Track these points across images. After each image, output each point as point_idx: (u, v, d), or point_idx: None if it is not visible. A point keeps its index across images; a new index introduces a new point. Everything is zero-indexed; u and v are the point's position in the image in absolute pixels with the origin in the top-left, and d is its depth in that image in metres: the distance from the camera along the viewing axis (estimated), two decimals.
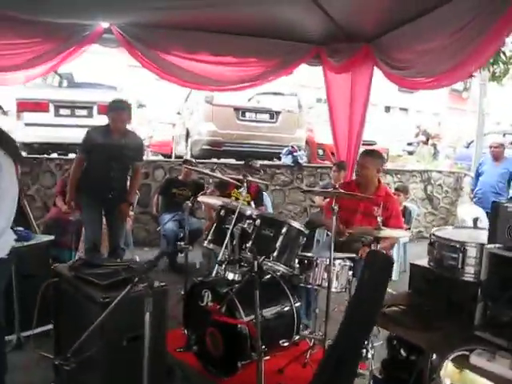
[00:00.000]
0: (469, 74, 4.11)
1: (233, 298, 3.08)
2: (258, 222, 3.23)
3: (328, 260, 3.22)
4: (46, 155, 7.39)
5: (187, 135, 9.17)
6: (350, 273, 3.41)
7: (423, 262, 2.44)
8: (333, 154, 6.75)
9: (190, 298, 3.48)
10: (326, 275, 3.27)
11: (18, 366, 3.19)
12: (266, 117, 8.76)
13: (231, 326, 3.07)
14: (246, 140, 8.45)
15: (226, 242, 3.27)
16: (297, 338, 3.44)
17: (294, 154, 7.91)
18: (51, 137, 7.65)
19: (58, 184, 6.01)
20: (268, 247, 3.21)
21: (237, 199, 5.24)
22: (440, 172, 9.47)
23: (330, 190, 3.85)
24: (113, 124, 4.37)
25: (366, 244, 3.80)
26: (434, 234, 2.33)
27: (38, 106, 7.66)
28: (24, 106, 7.67)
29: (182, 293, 3.92)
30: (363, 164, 4.00)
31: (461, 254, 2.12)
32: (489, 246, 1.93)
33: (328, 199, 4.31)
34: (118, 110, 4.37)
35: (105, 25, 4.99)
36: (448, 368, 1.83)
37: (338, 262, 3.36)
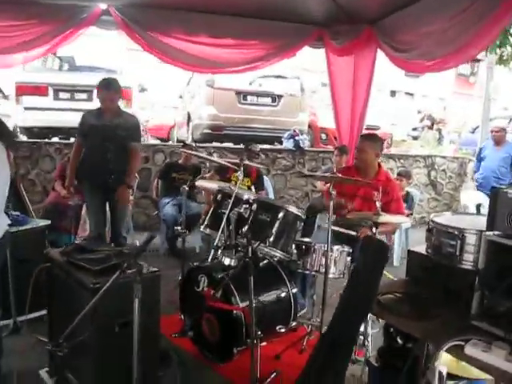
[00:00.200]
0: (471, 56, 4.03)
1: (228, 284, 3.05)
2: (254, 206, 3.17)
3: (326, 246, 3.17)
4: (46, 139, 7.33)
5: (188, 119, 9.09)
6: (349, 259, 3.36)
7: (421, 248, 2.38)
8: (336, 138, 6.68)
9: (187, 283, 3.46)
10: (323, 261, 3.23)
11: (13, 350, 3.17)
12: (267, 100, 8.66)
13: (227, 311, 3.04)
14: (248, 124, 8.38)
15: (222, 226, 3.21)
16: (294, 323, 3.42)
17: (296, 138, 7.82)
18: (51, 121, 7.60)
19: (57, 168, 5.99)
20: (264, 232, 3.16)
21: (236, 184, 5.22)
22: (444, 157, 9.37)
23: (327, 174, 3.79)
24: (103, 104, 4.30)
25: (367, 226, 3.75)
26: (432, 221, 2.26)
27: (37, 90, 7.59)
28: (23, 90, 7.61)
29: (180, 278, 3.89)
30: (361, 148, 3.94)
31: (459, 241, 2.06)
32: (487, 233, 1.86)
33: (328, 184, 4.25)
34: (106, 88, 4.27)
35: (103, 6, 4.93)
36: (443, 357, 1.79)
37: (336, 247, 3.31)
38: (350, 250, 3.36)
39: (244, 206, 3.17)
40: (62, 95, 7.79)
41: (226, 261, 3.17)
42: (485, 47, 4.68)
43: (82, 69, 8.98)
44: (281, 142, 8.25)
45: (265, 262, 3.45)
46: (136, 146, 4.41)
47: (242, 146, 6.87)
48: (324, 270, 3.17)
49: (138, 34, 5.11)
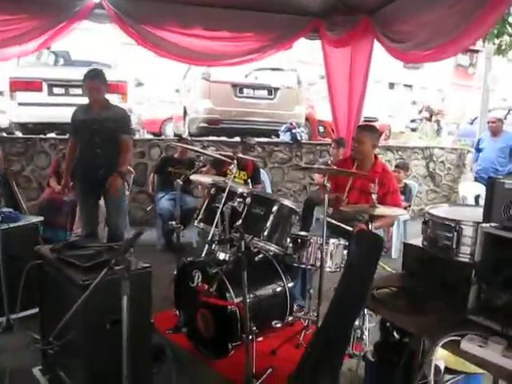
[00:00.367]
0: (467, 46, 4.00)
1: (223, 279, 3.01)
2: (248, 200, 3.12)
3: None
4: (41, 135, 7.27)
5: (185, 113, 9.03)
6: (345, 252, 3.31)
7: (417, 241, 2.33)
8: (333, 130, 6.63)
9: (181, 278, 3.42)
10: (319, 254, 3.18)
11: (6, 348, 3.16)
12: (264, 93, 8.59)
13: (221, 307, 3.00)
14: (244, 117, 8.31)
15: (215, 221, 3.17)
16: (290, 318, 3.38)
17: (293, 130, 7.76)
18: (45, 116, 7.53)
19: (52, 164, 5.96)
20: (258, 226, 3.11)
21: (233, 177, 5.18)
22: (442, 149, 9.31)
23: (321, 166, 3.73)
24: (89, 96, 4.23)
25: (363, 221, 3.71)
26: (428, 213, 2.21)
27: (31, 86, 7.53)
28: (17, 86, 7.54)
29: (175, 273, 3.84)
30: (359, 139, 3.88)
31: (455, 234, 2.01)
32: (484, 225, 1.81)
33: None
34: (90, 78, 4.19)
35: None
36: (441, 352, 1.75)
37: (332, 240, 3.26)
38: (347, 243, 3.31)
39: (238, 199, 3.12)
40: (56, 90, 7.72)
41: (221, 255, 3.13)
42: (481, 36, 4.64)
43: (77, 63, 8.89)
44: (278, 135, 8.20)
45: (260, 256, 3.41)
46: (126, 139, 4.32)
47: (238, 139, 6.80)
48: (320, 263, 3.13)
49: (131, 27, 5.05)
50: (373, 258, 2.03)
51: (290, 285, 3.37)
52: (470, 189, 6.88)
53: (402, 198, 5.83)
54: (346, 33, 5.43)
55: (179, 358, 3.19)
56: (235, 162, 3.49)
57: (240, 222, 3.04)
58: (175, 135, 9.43)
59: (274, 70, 9.00)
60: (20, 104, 7.51)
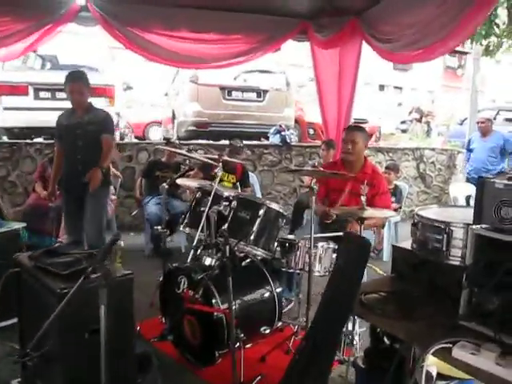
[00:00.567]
0: (453, 47, 3.95)
1: (208, 285, 2.92)
2: (234, 203, 3.05)
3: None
4: (27, 140, 7.15)
5: (173, 116, 8.95)
6: (334, 255, 3.24)
7: (407, 244, 2.26)
8: (323, 132, 6.59)
9: (167, 284, 3.33)
10: (308, 258, 3.11)
11: None
12: (253, 96, 8.54)
13: (207, 313, 2.92)
14: (233, 120, 8.26)
15: (201, 225, 3.09)
16: (279, 324, 3.31)
17: (282, 133, 7.71)
18: (31, 121, 7.43)
19: (37, 169, 5.86)
20: (244, 230, 3.04)
21: (221, 181, 5.10)
22: (433, 149, 9.29)
23: (308, 169, 3.67)
24: (71, 99, 4.07)
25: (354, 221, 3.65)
26: (417, 214, 2.14)
27: (17, 90, 7.43)
28: (2, 90, 7.43)
29: (161, 279, 3.76)
30: (353, 139, 3.79)
31: (445, 236, 1.94)
32: (474, 226, 1.75)
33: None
34: (71, 80, 4.04)
35: (81, 2, 4.77)
36: (430, 360, 1.68)
37: (320, 244, 3.19)
38: (336, 247, 3.24)
39: (224, 203, 3.05)
40: (42, 94, 7.63)
41: (207, 261, 3.05)
42: (469, 35, 4.62)
43: (65, 67, 8.80)
44: (267, 138, 8.14)
45: (247, 260, 3.33)
46: (107, 137, 4.14)
47: (226, 142, 6.74)
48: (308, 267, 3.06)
49: (118, 30, 4.97)
50: (360, 261, 1.96)
51: (279, 290, 3.30)
52: (461, 189, 6.86)
53: (393, 199, 5.81)
54: (334, 34, 5.39)
55: (165, 367, 3.10)
56: (221, 164, 3.41)
57: (226, 226, 2.96)
58: (164, 139, 9.36)
59: (262, 72, 8.96)
60: (5, 108, 7.41)
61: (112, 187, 5.39)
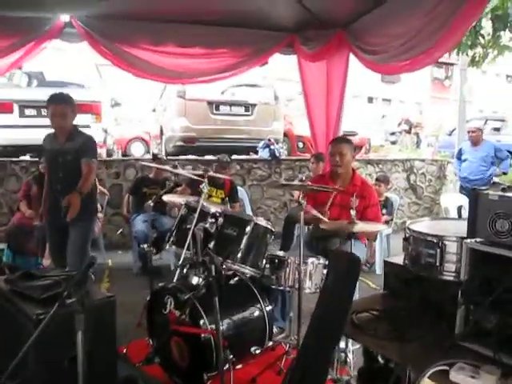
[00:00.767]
0: (439, 56, 3.93)
1: (195, 305, 2.81)
2: (220, 220, 2.95)
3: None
4: (13, 158, 7.04)
5: (161, 132, 8.88)
6: (325, 271, 3.14)
7: (399, 259, 2.18)
8: (313, 146, 6.54)
9: (154, 304, 3.21)
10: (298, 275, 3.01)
11: None
12: (241, 110, 8.50)
13: (194, 335, 2.81)
14: (221, 135, 8.20)
15: (187, 243, 2.99)
16: (270, 343, 3.20)
17: (271, 147, 7.66)
18: (17, 139, 7.33)
19: (22, 188, 5.74)
20: (231, 248, 2.93)
21: (210, 196, 5.01)
22: (423, 160, 9.28)
23: (296, 183, 3.59)
24: (53, 122, 3.76)
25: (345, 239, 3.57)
26: (408, 228, 2.07)
27: (1, 107, 7.33)
28: None
29: (148, 299, 3.64)
30: (340, 151, 3.72)
31: (439, 250, 1.86)
32: (468, 240, 1.67)
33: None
34: (53, 102, 3.77)
35: (65, 18, 4.70)
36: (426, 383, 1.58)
37: (310, 260, 3.09)
38: (326, 263, 3.15)
39: (210, 220, 2.95)
40: (28, 112, 7.53)
41: (194, 279, 2.95)
42: (455, 43, 4.61)
43: (52, 84, 8.75)
44: (256, 152, 8.08)
45: (236, 278, 3.22)
46: (86, 161, 3.76)
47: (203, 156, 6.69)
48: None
49: (103, 46, 4.90)
50: (350, 278, 1.87)
51: (269, 308, 3.19)
52: (452, 200, 6.83)
53: (384, 211, 5.75)
54: (320, 47, 5.36)
55: None
56: (206, 180, 3.33)
57: (212, 243, 2.86)
58: (152, 155, 9.28)
59: (250, 86, 8.93)
60: None
61: (99, 205, 5.28)
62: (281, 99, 9.44)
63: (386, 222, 5.56)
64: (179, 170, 4.31)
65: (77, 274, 1.86)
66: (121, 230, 5.97)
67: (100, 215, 5.74)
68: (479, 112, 18.23)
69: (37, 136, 6.71)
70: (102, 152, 8.64)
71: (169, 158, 6.91)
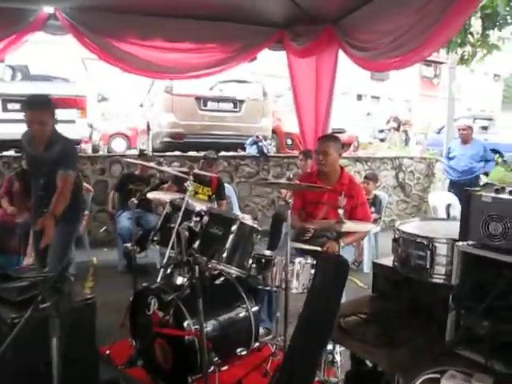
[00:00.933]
0: (430, 53, 3.89)
1: (179, 306, 2.74)
2: (205, 219, 2.88)
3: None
4: None
5: (148, 128, 8.77)
6: (312, 271, 3.08)
7: (388, 260, 2.12)
8: (301, 142, 6.49)
9: (137, 305, 3.13)
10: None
11: None
12: (229, 106, 8.40)
13: (178, 337, 2.73)
14: (209, 131, 8.11)
15: (171, 242, 2.91)
16: (256, 345, 3.13)
17: (259, 143, 7.59)
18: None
19: (4, 184, 5.60)
20: (217, 248, 2.85)
21: (196, 193, 4.93)
22: (411, 158, 9.27)
23: (283, 182, 3.53)
24: (30, 127, 3.39)
25: (332, 238, 3.52)
26: (398, 229, 2.01)
27: None
28: None
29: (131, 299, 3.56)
30: (324, 150, 3.67)
31: (429, 252, 1.81)
32: (460, 243, 1.61)
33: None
34: (30, 107, 3.38)
35: (49, 10, 4.58)
36: None
37: (297, 260, 3.03)
38: (314, 262, 3.09)
39: (195, 218, 2.87)
40: (11, 106, 7.36)
41: (178, 280, 2.88)
42: (446, 40, 4.58)
43: (36, 78, 8.61)
44: (244, 149, 8.00)
45: (221, 278, 3.15)
46: (62, 174, 3.41)
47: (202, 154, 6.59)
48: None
49: (88, 38, 4.78)
50: (338, 280, 1.81)
51: (255, 309, 3.12)
52: (441, 198, 6.82)
53: (373, 209, 5.71)
54: (310, 42, 5.30)
55: None
56: (191, 178, 3.24)
57: (197, 243, 2.79)
58: (140, 151, 9.17)
59: (239, 82, 8.83)
60: None
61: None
62: (270, 95, 9.36)
63: (375, 221, 5.53)
64: (164, 167, 4.21)
65: (52, 276, 1.77)
66: (105, 227, 5.86)
67: (86, 212, 5.63)
68: (467, 110, 18.34)
69: (20, 131, 6.62)
70: (87, 147, 8.52)
71: (155, 154, 6.81)
